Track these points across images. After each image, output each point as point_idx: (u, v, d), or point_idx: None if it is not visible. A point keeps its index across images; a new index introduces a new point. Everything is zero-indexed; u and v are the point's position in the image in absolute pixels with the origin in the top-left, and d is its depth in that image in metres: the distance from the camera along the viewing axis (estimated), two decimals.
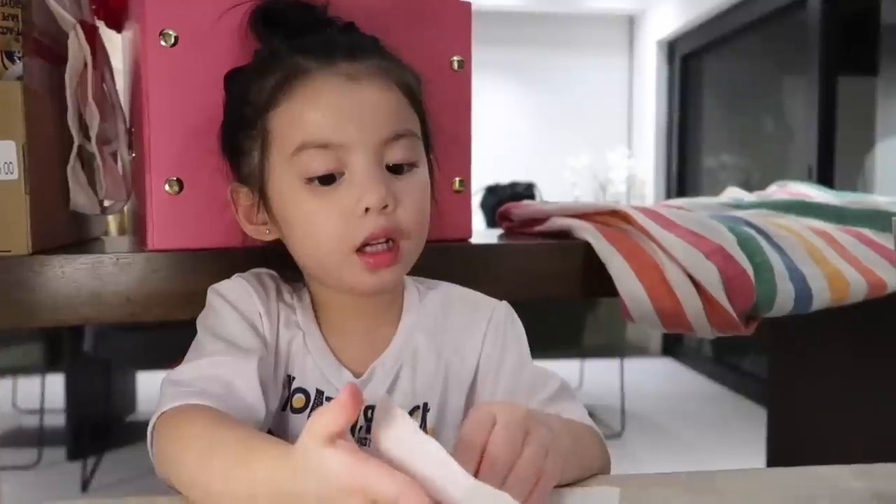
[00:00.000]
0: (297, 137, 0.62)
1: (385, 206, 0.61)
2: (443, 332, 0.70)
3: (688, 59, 4.39)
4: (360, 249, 0.62)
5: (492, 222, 3.19)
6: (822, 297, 0.94)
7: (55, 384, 2.69)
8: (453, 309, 0.72)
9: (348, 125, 0.62)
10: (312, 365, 0.67)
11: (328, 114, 0.62)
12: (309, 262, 0.67)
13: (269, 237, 0.69)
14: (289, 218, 0.65)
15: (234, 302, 0.67)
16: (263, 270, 0.71)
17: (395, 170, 0.63)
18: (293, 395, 0.67)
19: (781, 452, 1.58)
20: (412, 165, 0.64)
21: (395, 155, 0.63)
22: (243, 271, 0.72)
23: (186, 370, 0.62)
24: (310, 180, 0.62)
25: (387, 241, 0.62)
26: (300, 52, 0.64)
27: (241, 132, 0.67)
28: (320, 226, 0.62)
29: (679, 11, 4.22)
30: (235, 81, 0.70)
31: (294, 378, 0.67)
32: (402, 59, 0.68)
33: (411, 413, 0.67)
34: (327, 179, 0.62)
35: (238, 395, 0.59)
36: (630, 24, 4.85)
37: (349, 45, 0.65)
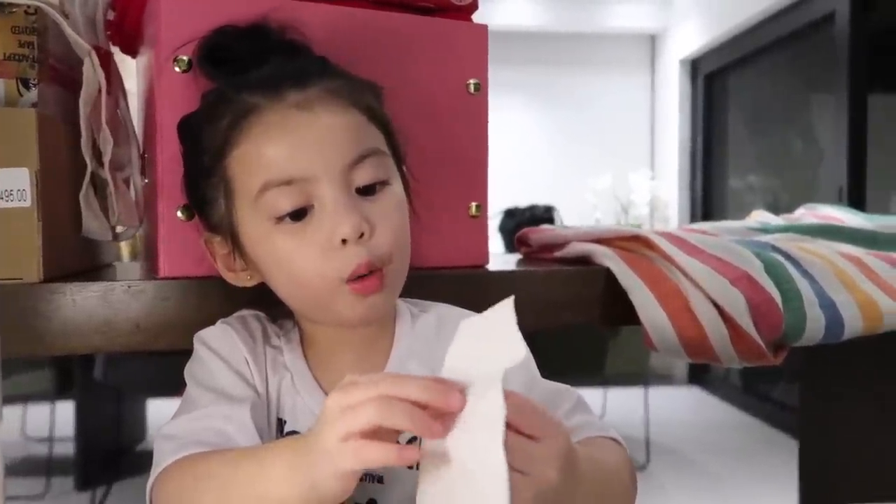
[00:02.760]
0: (259, 178, 0.60)
1: (361, 235, 0.59)
2: (437, 355, 0.68)
3: (712, 78, 4.36)
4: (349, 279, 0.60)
5: (510, 246, 3.17)
6: (854, 325, 0.90)
7: (65, 412, 2.68)
8: (447, 330, 0.68)
9: (308, 156, 0.59)
10: (302, 405, 0.65)
11: (285, 148, 0.60)
12: (295, 300, 0.65)
13: (251, 282, 0.67)
14: (266, 261, 0.63)
15: (220, 351, 0.65)
16: (249, 312, 0.70)
17: (367, 191, 0.61)
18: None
19: (814, 486, 1.53)
20: (383, 183, 0.62)
21: (363, 177, 0.61)
22: (252, 299, 0.71)
23: (179, 424, 0.60)
24: (280, 219, 0.60)
25: (370, 271, 0.60)
26: (246, 89, 0.62)
27: (202, 181, 0.65)
28: (300, 264, 0.60)
29: (702, 29, 4.20)
30: (187, 130, 0.68)
31: (285, 421, 0.65)
32: (353, 75, 0.65)
33: (409, 443, 0.65)
34: (297, 215, 0.60)
35: (234, 443, 0.58)
36: (652, 42, 4.84)
37: (296, 73, 0.62)
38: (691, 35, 4.33)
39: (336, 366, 0.66)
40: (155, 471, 0.58)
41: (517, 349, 0.46)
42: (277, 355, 0.66)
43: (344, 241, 0.59)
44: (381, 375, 0.48)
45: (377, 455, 0.45)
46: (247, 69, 0.64)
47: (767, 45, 3.73)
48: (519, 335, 0.46)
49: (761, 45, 3.76)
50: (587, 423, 0.63)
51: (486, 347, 0.48)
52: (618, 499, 0.60)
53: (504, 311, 0.47)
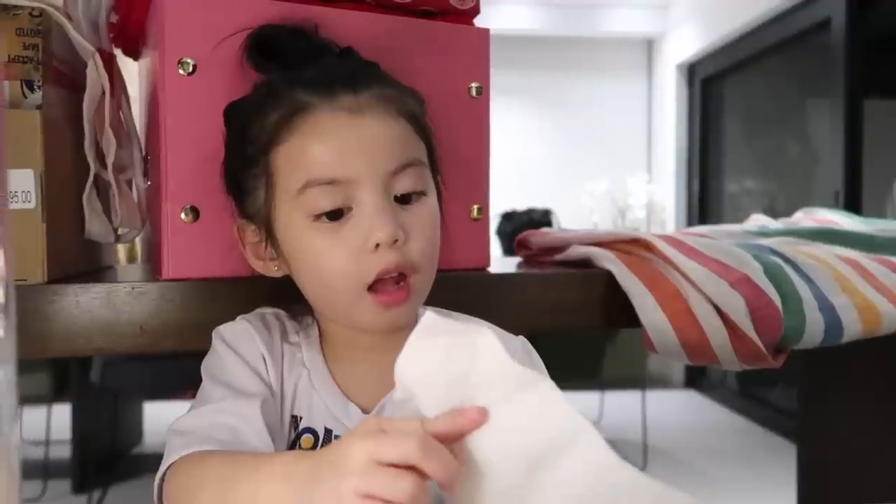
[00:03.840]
0: (303, 175, 0.61)
1: (395, 241, 0.60)
2: None
3: (708, 83, 4.38)
4: (372, 286, 0.60)
5: (508, 249, 3.17)
6: (853, 328, 0.90)
7: (61, 415, 2.67)
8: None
9: (354, 160, 0.60)
10: (319, 402, 0.65)
11: (333, 150, 0.60)
12: (318, 299, 0.65)
13: (278, 273, 0.67)
14: (297, 255, 0.63)
15: (237, 346, 0.65)
16: (268, 310, 0.70)
17: (403, 199, 0.62)
18: (301, 436, 0.65)
19: (812, 490, 1.53)
20: (420, 194, 0.63)
21: (403, 185, 0.62)
22: (259, 301, 0.71)
23: (190, 419, 0.60)
24: (317, 217, 0.61)
25: (398, 278, 0.61)
26: (300, 86, 0.62)
27: (243, 171, 0.66)
28: (330, 264, 0.61)
29: (699, 34, 4.21)
30: (235, 118, 0.69)
31: (301, 418, 0.65)
32: (402, 83, 0.66)
33: None
34: (335, 215, 0.61)
35: (244, 440, 0.58)
36: (649, 47, 4.86)
37: (350, 76, 0.63)
38: (688, 40, 4.35)
39: (354, 365, 0.67)
40: (164, 464, 0.58)
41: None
42: (295, 352, 0.67)
43: (377, 245, 0.59)
44: (412, 433, 0.44)
45: None
46: (297, 65, 0.65)
47: (764, 50, 3.74)
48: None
49: (758, 50, 3.78)
50: None
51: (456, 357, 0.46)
52: None
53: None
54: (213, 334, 0.68)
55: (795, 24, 3.41)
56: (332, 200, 0.60)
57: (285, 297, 0.70)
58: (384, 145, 0.61)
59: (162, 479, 0.58)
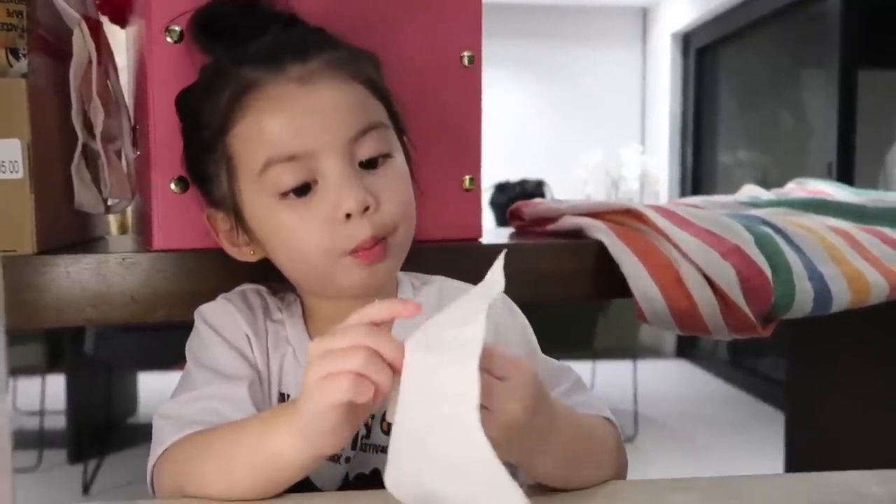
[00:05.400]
0: (261, 155, 0.60)
1: (367, 208, 0.59)
2: None
3: (703, 53, 4.35)
4: (351, 252, 0.60)
5: (502, 220, 3.17)
6: (842, 298, 0.91)
7: (56, 385, 2.68)
8: (448, 302, 0.69)
9: (311, 132, 0.59)
10: None
11: (288, 124, 0.59)
12: (299, 274, 0.65)
13: (255, 258, 0.67)
14: (270, 237, 0.63)
15: (220, 328, 0.65)
16: (249, 287, 0.70)
17: (369, 164, 0.61)
18: None
19: (800, 457, 1.56)
20: (386, 156, 0.62)
21: (366, 150, 0.61)
22: (248, 270, 0.71)
23: (177, 405, 0.61)
24: (284, 195, 0.60)
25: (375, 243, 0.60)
26: (246, 62, 0.61)
27: (202, 157, 0.65)
28: (304, 239, 0.60)
29: (694, 3, 4.18)
30: (186, 105, 0.67)
31: (288, 396, 0.65)
32: (353, 46, 0.65)
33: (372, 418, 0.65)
34: (302, 190, 0.60)
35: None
36: (643, 16, 4.81)
37: (297, 45, 0.61)
38: (683, 9, 4.31)
39: None
40: (155, 451, 0.58)
41: (498, 283, 0.47)
42: (279, 329, 0.67)
43: (348, 215, 0.59)
44: (357, 323, 0.49)
45: (350, 389, 0.46)
46: (244, 41, 0.63)
47: (760, 20, 3.72)
48: (501, 276, 0.47)
49: (753, 20, 3.75)
50: (584, 403, 0.64)
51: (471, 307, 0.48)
52: (599, 466, 0.61)
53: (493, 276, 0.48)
54: (196, 315, 0.67)
55: None
56: (296, 176, 0.59)
57: (274, 267, 0.70)
58: (340, 112, 0.60)
59: (153, 467, 0.59)
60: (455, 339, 0.45)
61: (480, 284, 0.49)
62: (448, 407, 0.44)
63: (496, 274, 0.48)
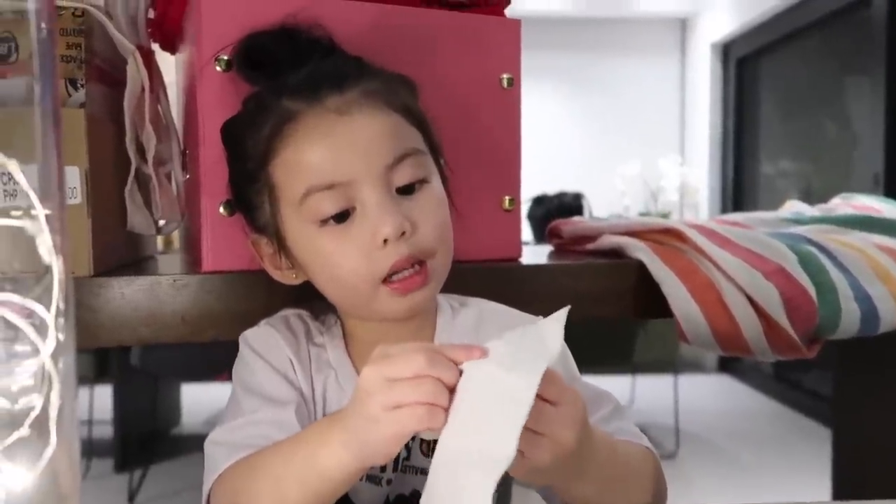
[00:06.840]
0: (301, 184, 0.62)
1: (403, 233, 0.60)
2: None
3: (744, 62, 4.29)
4: (387, 279, 0.61)
5: (539, 234, 3.16)
6: (890, 318, 0.89)
7: (103, 396, 2.74)
8: (487, 326, 0.70)
9: (349, 161, 0.61)
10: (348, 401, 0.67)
11: (326, 154, 0.61)
12: (338, 299, 0.67)
13: (297, 281, 0.69)
14: (311, 262, 0.65)
15: (265, 353, 0.67)
16: (291, 311, 0.71)
17: (406, 190, 0.63)
18: None
19: (848, 477, 1.52)
20: (422, 182, 0.64)
21: (403, 177, 0.62)
22: (293, 292, 0.72)
23: (227, 431, 0.62)
24: (324, 222, 0.62)
25: (413, 265, 0.62)
26: (286, 94, 0.63)
27: (246, 187, 0.67)
28: (342, 265, 0.62)
29: (734, 13, 4.12)
30: (230, 136, 0.70)
31: None
32: (389, 73, 0.66)
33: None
34: (341, 217, 0.62)
35: None
36: (682, 26, 4.77)
37: (334, 77, 0.63)
38: (723, 18, 4.26)
39: None
40: (210, 477, 0.60)
41: (554, 345, 0.48)
42: (321, 353, 0.68)
43: (386, 241, 0.60)
44: (415, 349, 0.49)
45: (425, 418, 0.47)
46: (285, 71, 0.65)
47: (801, 28, 3.65)
48: (560, 336, 0.47)
49: (795, 28, 3.68)
50: (622, 430, 0.64)
51: (529, 345, 0.49)
52: (636, 492, 0.61)
53: (554, 323, 0.49)
54: (240, 340, 0.69)
55: (834, 1, 3.32)
56: (335, 204, 0.61)
57: (316, 289, 0.72)
58: (376, 141, 0.61)
59: (209, 492, 0.60)
60: (522, 362, 0.47)
61: (544, 320, 0.51)
62: (497, 410, 0.45)
63: (556, 329, 0.49)
